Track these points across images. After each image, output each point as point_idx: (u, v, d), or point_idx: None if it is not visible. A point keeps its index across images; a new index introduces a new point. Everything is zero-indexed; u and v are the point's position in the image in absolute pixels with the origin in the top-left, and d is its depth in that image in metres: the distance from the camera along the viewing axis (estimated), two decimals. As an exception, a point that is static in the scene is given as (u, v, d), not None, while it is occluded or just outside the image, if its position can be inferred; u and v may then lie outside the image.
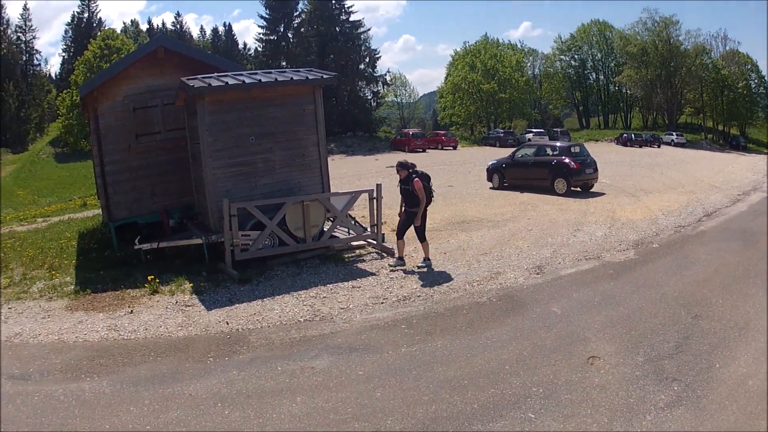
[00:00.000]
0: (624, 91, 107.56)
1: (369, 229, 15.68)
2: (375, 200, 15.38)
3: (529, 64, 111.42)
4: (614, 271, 13.35)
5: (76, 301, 13.14)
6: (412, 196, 13.58)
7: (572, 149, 27.32)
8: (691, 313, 10.34)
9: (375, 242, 15.77)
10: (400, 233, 14.08)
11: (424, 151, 64.34)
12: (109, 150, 17.50)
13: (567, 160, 26.13)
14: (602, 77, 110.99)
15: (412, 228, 13.90)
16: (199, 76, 14.85)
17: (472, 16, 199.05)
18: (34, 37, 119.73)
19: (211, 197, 14.41)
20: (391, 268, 13.93)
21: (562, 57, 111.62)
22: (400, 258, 14.21)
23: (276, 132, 14.89)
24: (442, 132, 78.05)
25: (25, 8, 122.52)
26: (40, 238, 21.86)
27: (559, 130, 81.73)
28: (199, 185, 15.62)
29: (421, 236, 13.94)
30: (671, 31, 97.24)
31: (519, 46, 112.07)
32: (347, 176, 38.81)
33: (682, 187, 29.13)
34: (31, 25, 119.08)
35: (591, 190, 26.91)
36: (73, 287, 14.21)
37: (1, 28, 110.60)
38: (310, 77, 15.20)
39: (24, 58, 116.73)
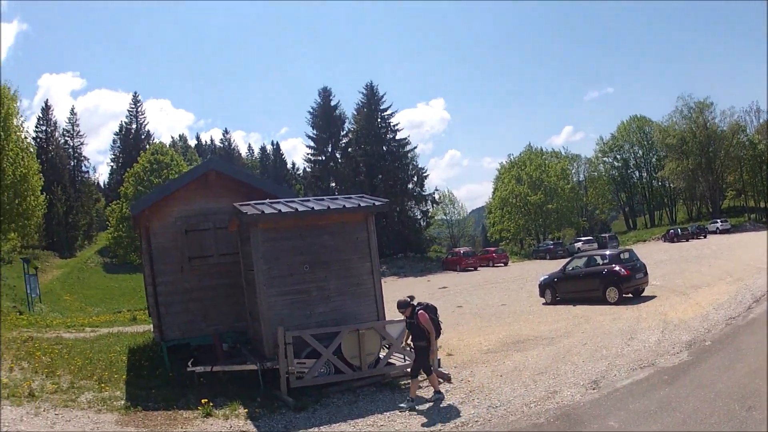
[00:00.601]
0: (667, 185, 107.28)
1: None
2: None
3: (573, 170, 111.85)
4: (669, 377, 13.07)
5: (126, 416, 13.17)
6: (420, 329, 13.13)
7: (621, 255, 27.16)
8: (744, 406, 10.18)
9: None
10: (415, 372, 13.37)
11: (475, 269, 64.22)
12: (161, 270, 17.86)
13: (617, 268, 25.91)
14: (645, 174, 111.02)
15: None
16: (251, 202, 15.16)
17: (515, 125, 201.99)
18: (82, 143, 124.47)
19: (266, 324, 14.41)
20: (403, 409, 12.95)
21: (605, 159, 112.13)
22: (412, 399, 13.21)
23: (330, 260, 15.02)
24: (493, 249, 77.97)
25: (73, 112, 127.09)
26: (89, 349, 22.05)
27: (607, 235, 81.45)
28: (253, 311, 15.64)
29: (428, 369, 13.30)
30: (707, 115, 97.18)
31: (563, 152, 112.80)
32: (399, 297, 38.62)
33: (730, 276, 28.73)
34: (79, 131, 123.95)
35: (642, 294, 26.59)
36: (123, 402, 14.25)
37: (49, 130, 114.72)
38: (362, 204, 15.42)
39: (72, 164, 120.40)
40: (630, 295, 26.18)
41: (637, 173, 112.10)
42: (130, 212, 19.80)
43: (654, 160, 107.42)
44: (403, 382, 14.98)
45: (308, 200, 15.87)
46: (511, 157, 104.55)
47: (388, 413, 12.72)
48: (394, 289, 46.68)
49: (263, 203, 15.05)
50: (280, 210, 14.38)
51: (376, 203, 15.74)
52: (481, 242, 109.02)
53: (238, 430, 12.21)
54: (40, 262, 78.57)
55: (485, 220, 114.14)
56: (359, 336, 14.39)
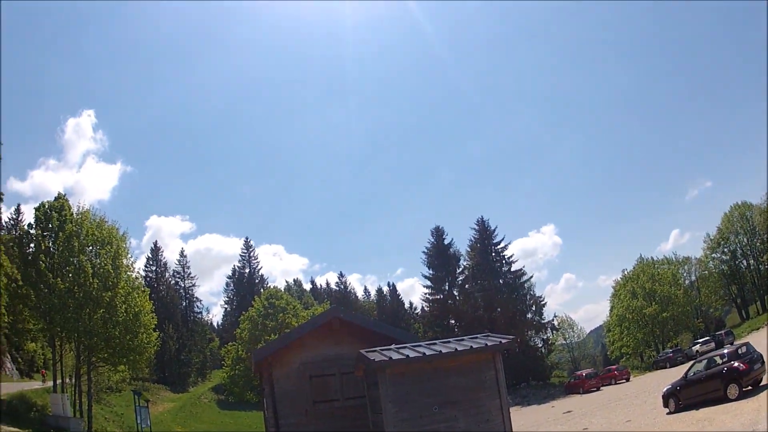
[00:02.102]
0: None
1: None
2: None
3: (684, 273, 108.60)
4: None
5: None
6: None
7: (739, 351, 26.79)
8: None
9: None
10: None
11: (598, 389, 62.77)
12: (285, 414, 18.50)
13: (736, 365, 25.55)
14: (752, 261, 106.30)
15: None
16: (378, 348, 15.87)
17: (625, 239, 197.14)
18: (193, 285, 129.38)
19: None
20: None
21: (713, 256, 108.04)
22: None
23: (459, 400, 15.35)
24: (614, 367, 75.74)
25: (182, 254, 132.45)
26: None
27: (723, 332, 77.66)
28: None
29: None
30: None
31: (673, 257, 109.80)
32: (525, 427, 38.44)
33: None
34: (190, 272, 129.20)
35: (762, 384, 25.98)
36: None
37: (159, 270, 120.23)
38: (489, 344, 15.87)
39: (184, 304, 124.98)
40: (750, 387, 25.63)
41: (744, 262, 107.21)
42: (252, 359, 20.86)
43: (758, 244, 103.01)
44: None
45: (434, 343, 16.48)
46: (625, 272, 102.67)
47: None
48: (519, 418, 45.94)
49: (390, 349, 15.73)
50: (408, 356, 15.00)
51: (503, 341, 16.19)
52: (601, 361, 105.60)
53: None
54: (151, 394, 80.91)
55: (604, 339, 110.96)
56: None
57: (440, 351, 15.40)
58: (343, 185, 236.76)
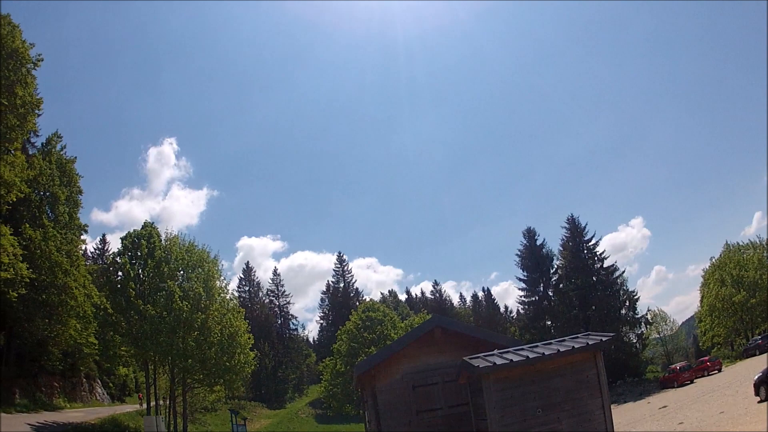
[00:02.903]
0: None
1: None
2: None
3: None
4: None
5: None
6: None
7: None
8: None
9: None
10: None
11: (691, 382, 61.94)
12: (388, 425, 18.60)
13: None
14: None
15: None
16: (481, 355, 15.83)
17: (710, 225, 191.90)
18: (288, 302, 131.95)
19: None
20: None
21: None
22: None
23: (561, 401, 15.24)
24: (707, 358, 74.44)
25: (276, 273, 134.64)
26: None
27: None
28: None
29: None
30: None
31: (757, 241, 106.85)
32: (622, 425, 37.93)
33: None
34: (284, 290, 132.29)
35: None
36: None
37: (252, 290, 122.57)
38: (590, 343, 15.69)
39: (279, 321, 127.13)
40: None
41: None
42: (354, 373, 20.92)
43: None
44: None
45: (536, 345, 16.38)
46: (713, 260, 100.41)
47: None
48: (616, 416, 45.07)
49: (493, 354, 15.68)
50: (511, 360, 14.92)
51: (603, 339, 15.95)
52: (693, 353, 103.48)
53: None
54: (248, 412, 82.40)
55: (695, 330, 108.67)
56: None
57: (543, 353, 15.30)
58: (435, 194, 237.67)
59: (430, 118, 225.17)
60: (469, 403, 17.14)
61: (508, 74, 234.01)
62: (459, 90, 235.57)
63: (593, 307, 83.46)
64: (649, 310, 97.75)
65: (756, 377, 29.50)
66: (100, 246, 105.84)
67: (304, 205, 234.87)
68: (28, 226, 46.09)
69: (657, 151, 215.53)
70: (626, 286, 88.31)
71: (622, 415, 47.34)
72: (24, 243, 43.21)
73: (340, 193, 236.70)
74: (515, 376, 15.10)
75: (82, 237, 56.01)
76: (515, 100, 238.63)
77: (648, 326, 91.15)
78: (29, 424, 35.37)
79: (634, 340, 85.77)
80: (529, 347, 16.30)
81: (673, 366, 73.30)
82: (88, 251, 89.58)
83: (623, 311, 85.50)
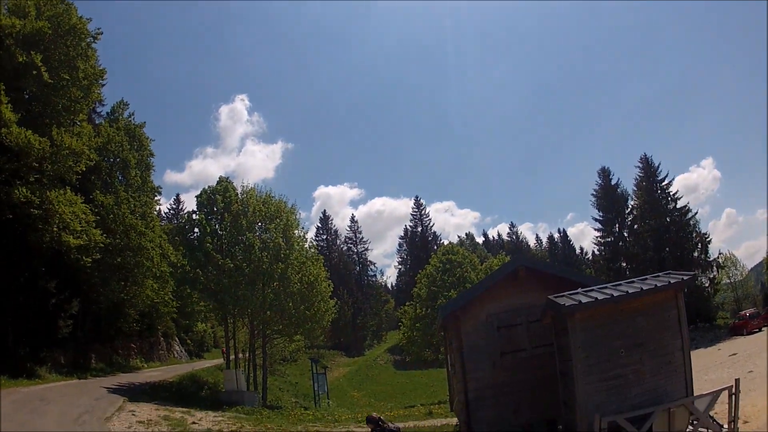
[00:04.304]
0: None
1: (726, 426, 15.32)
2: (734, 396, 15.19)
3: None
4: None
5: None
6: None
7: None
8: None
9: (732, 440, 15.11)
10: None
11: (760, 330, 61.36)
12: (473, 368, 19.16)
13: None
14: None
15: None
16: (565, 294, 15.98)
17: None
18: (366, 249, 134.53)
19: (581, 412, 14.96)
20: None
21: None
22: None
23: (644, 342, 15.34)
24: None
25: (353, 220, 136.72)
26: None
27: None
28: (569, 401, 16.25)
29: None
30: None
31: None
32: (694, 371, 37.92)
33: None
34: (362, 237, 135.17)
35: None
36: None
37: (330, 238, 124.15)
38: (672, 281, 15.67)
39: (357, 268, 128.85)
40: None
41: None
42: (439, 314, 21.34)
43: None
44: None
45: (620, 284, 16.38)
46: None
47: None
48: None
49: (577, 293, 15.81)
50: (596, 298, 15.06)
51: (685, 278, 15.99)
52: (761, 300, 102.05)
53: None
54: (327, 360, 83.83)
55: (764, 276, 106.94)
56: (669, 415, 14.50)
57: (627, 291, 15.32)
58: (510, 137, 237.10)
59: (503, 64, 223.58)
60: (553, 344, 17.38)
61: (581, 17, 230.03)
62: (531, 34, 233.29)
63: (667, 249, 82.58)
64: (720, 254, 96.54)
65: None
66: (174, 206, 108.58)
67: (380, 152, 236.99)
68: (99, 193, 47.80)
69: (728, 94, 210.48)
70: (699, 228, 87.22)
71: (694, 361, 46.99)
72: (96, 210, 44.67)
73: (416, 140, 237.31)
74: (599, 315, 15.27)
75: (156, 198, 57.96)
76: (588, 43, 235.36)
77: (720, 270, 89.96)
78: (105, 387, 36.30)
79: (706, 284, 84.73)
80: (612, 286, 16.35)
81: (742, 313, 72.49)
82: (162, 212, 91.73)
83: (696, 254, 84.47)
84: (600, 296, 15.21)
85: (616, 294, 15.28)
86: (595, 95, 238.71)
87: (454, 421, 27.68)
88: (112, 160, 51.88)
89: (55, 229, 37.64)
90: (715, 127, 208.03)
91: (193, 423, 28.39)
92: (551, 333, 17.49)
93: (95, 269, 45.31)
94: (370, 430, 15.10)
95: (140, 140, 55.42)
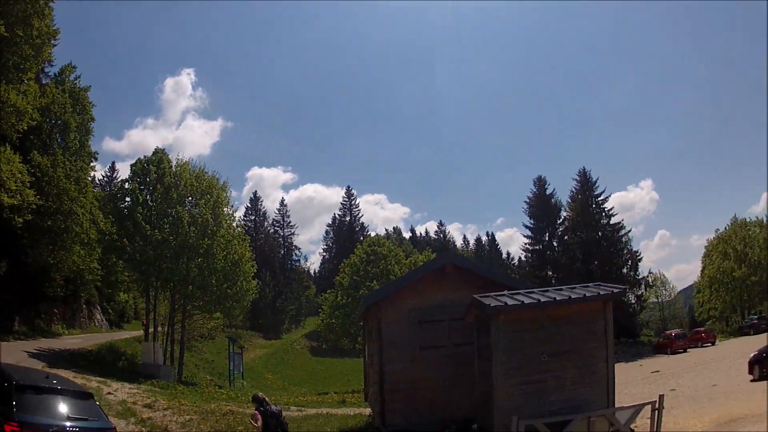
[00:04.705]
0: None
1: None
2: (657, 411, 15.36)
3: None
4: None
5: None
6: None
7: None
8: None
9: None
10: None
11: (685, 351, 63.12)
12: (390, 358, 19.19)
13: None
14: None
15: None
16: (491, 294, 16.05)
17: (718, 199, 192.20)
18: (292, 233, 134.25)
19: (499, 414, 15.05)
20: None
21: None
22: None
23: (569, 350, 15.53)
24: (702, 329, 75.86)
25: (282, 203, 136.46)
26: (296, 428, 23.16)
27: None
28: (486, 401, 16.31)
29: None
30: None
31: (765, 220, 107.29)
32: (615, 384, 38.57)
33: None
34: (289, 221, 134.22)
35: None
36: None
37: (258, 219, 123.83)
38: (602, 293, 15.90)
39: (282, 252, 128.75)
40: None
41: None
42: (362, 303, 21.37)
43: None
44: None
45: (547, 290, 16.59)
46: (718, 231, 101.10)
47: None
48: None
49: (503, 295, 15.93)
50: (522, 302, 15.19)
51: (615, 291, 16.27)
52: (687, 323, 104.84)
53: None
54: (244, 341, 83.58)
55: (692, 300, 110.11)
56: (589, 423, 14.62)
57: (554, 298, 15.50)
58: (446, 135, 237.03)
59: (444, 58, 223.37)
60: (474, 343, 17.48)
61: (530, 26, 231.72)
62: (477, 36, 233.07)
63: (596, 263, 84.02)
64: (651, 273, 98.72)
65: (752, 355, 30.25)
66: (109, 174, 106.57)
67: (317, 139, 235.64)
68: (36, 153, 46.93)
69: (675, 118, 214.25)
70: (630, 246, 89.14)
71: (616, 374, 48.00)
72: (32, 170, 43.90)
73: (354, 129, 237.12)
74: (525, 318, 15.42)
75: (92, 164, 56.88)
76: (535, 51, 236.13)
77: (648, 288, 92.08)
78: (26, 351, 35.85)
79: (633, 301, 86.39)
80: (540, 291, 16.54)
81: (668, 332, 74.60)
82: (96, 179, 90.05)
83: (625, 270, 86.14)
84: (526, 300, 15.35)
85: (543, 299, 15.44)
86: (538, 103, 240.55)
87: (368, 411, 27.60)
88: (53, 121, 51.16)
89: (-11, 187, 36.88)
90: (657, 150, 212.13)
91: (109, 393, 28.14)
92: (474, 332, 17.56)
93: (25, 231, 44.71)
94: (254, 408, 15.87)
95: (83, 104, 54.37)
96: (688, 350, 63.35)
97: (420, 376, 19.01)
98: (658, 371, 41.97)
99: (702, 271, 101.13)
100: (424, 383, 18.94)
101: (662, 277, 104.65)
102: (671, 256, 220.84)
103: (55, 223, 47.68)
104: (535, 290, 16.91)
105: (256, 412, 15.66)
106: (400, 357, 19.16)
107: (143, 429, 21.20)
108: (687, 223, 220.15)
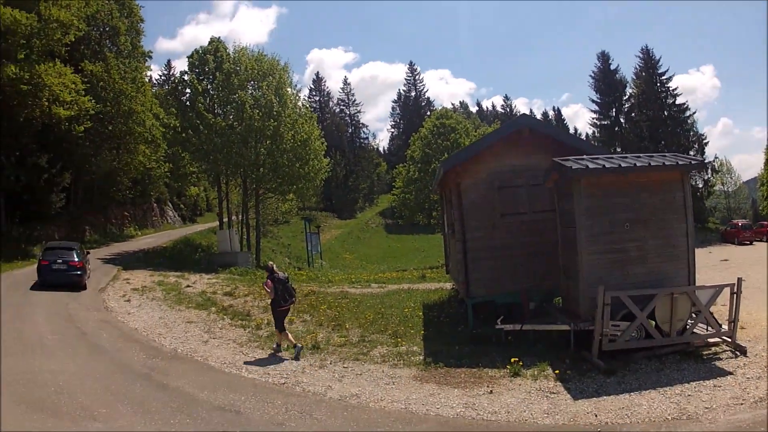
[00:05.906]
0: None
1: (725, 326, 15.20)
2: (735, 295, 14.94)
3: None
4: None
5: (426, 372, 14.20)
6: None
7: None
8: None
9: (730, 339, 15.03)
10: (277, 325, 16.82)
11: (751, 243, 61.71)
12: (472, 227, 18.89)
13: None
14: None
15: None
16: (571, 158, 15.55)
17: None
18: (358, 111, 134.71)
19: (583, 283, 14.86)
20: (272, 351, 16.77)
21: None
22: (277, 345, 16.86)
23: (649, 219, 15.07)
24: (767, 222, 74.36)
25: (346, 83, 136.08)
26: (379, 303, 23.70)
27: None
28: (569, 270, 16.13)
29: (279, 326, 16.66)
30: None
31: None
32: None
33: None
34: (354, 100, 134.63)
35: None
36: (421, 357, 15.40)
37: (323, 100, 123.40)
38: (680, 162, 15.35)
39: (350, 131, 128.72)
40: None
41: None
42: (440, 169, 20.95)
43: None
44: (705, 352, 14.82)
45: (626, 157, 16.06)
46: None
47: (694, 383, 12.64)
48: None
49: (582, 158, 15.43)
50: (604, 165, 14.72)
51: (693, 162, 15.82)
52: (751, 216, 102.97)
53: (548, 391, 12.71)
54: (319, 222, 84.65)
55: (755, 193, 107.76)
56: (672, 300, 14.32)
57: (635, 164, 15.02)
58: (512, 9, 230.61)
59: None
60: (555, 210, 17.10)
61: None
62: None
63: (662, 142, 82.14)
64: (717, 158, 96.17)
65: None
66: (166, 72, 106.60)
67: (376, 16, 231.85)
68: (87, 62, 47.49)
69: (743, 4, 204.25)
70: (696, 128, 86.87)
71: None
72: (86, 80, 44.12)
73: (414, 5, 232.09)
74: (605, 183, 15.00)
75: (147, 64, 58.05)
76: None
77: (714, 174, 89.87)
78: (99, 258, 37.04)
79: (700, 186, 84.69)
80: (620, 157, 16.12)
81: (735, 221, 72.77)
82: (153, 79, 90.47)
83: (692, 152, 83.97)
84: (607, 164, 14.88)
85: (623, 164, 14.98)
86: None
87: (448, 285, 27.87)
88: (101, 29, 51.67)
89: (45, 102, 37.57)
90: (718, 36, 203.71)
91: (188, 287, 28.72)
92: (553, 198, 17.18)
93: (86, 139, 45.73)
94: (266, 276, 17.04)
95: (130, 7, 55.15)
96: (754, 243, 62.02)
97: (501, 244, 18.72)
98: (727, 260, 41.12)
99: (765, 163, 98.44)
100: (505, 251, 18.68)
101: (728, 163, 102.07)
102: (734, 146, 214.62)
103: (116, 127, 48.65)
104: (614, 156, 16.51)
105: (268, 279, 16.66)
106: (480, 225, 18.83)
107: (225, 317, 21.51)
108: (748, 115, 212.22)
